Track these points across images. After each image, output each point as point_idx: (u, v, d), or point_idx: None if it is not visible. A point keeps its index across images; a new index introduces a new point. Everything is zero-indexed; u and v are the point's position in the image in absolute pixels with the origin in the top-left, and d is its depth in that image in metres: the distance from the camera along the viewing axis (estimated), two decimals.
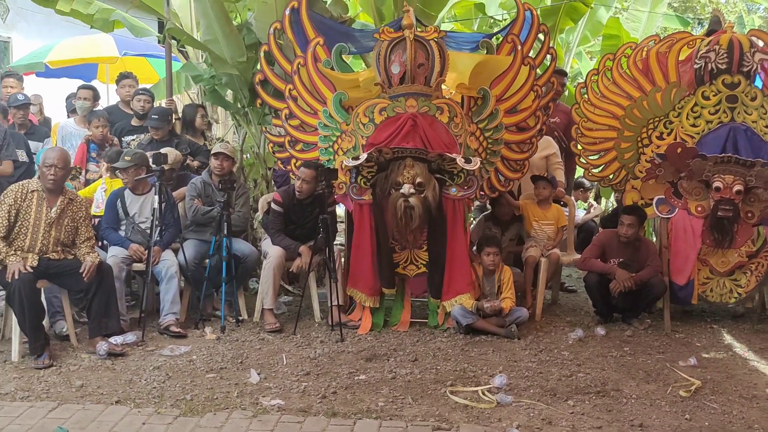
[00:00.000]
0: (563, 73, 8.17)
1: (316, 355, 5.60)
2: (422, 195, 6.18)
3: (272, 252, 6.51)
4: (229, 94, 8.36)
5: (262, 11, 7.48)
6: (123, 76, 8.30)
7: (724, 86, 6.58)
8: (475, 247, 6.71)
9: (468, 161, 6.17)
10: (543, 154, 7.41)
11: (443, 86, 6.65)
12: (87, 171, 7.37)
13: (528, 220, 7.13)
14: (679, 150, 6.44)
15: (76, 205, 5.78)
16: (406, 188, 6.13)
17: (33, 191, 5.62)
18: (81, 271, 5.62)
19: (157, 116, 7.39)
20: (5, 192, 5.65)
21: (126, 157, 6.54)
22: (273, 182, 8.27)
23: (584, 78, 7.26)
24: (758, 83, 6.67)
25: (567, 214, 7.41)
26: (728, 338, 6.29)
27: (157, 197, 6.27)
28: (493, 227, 7.18)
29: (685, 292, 6.59)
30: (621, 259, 6.53)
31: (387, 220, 6.34)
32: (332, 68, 6.70)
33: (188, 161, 7.42)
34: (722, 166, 6.38)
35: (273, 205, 6.67)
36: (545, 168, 7.51)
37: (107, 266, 5.86)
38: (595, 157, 7.10)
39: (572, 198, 8.08)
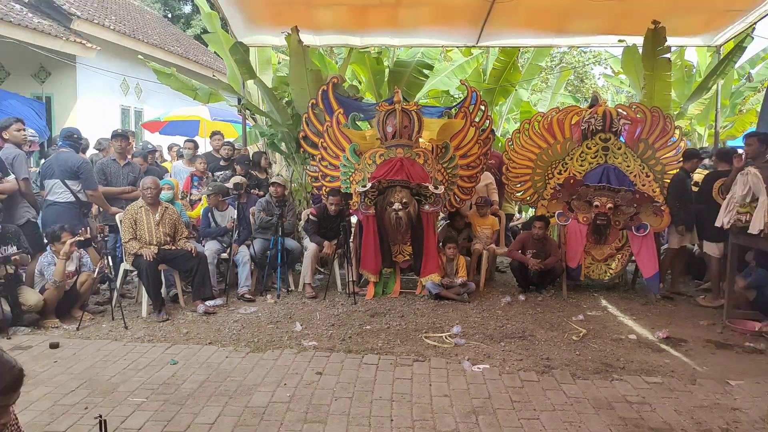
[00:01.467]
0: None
1: (338, 313, 5.58)
2: (407, 210, 6.17)
3: (310, 246, 6.49)
4: (282, 146, 8.34)
5: (299, 94, 7.46)
6: (214, 133, 8.29)
7: (600, 141, 6.58)
8: (440, 243, 6.68)
9: (436, 188, 6.18)
10: (483, 183, 7.40)
11: (420, 140, 6.66)
12: (190, 194, 7.34)
13: (474, 226, 7.08)
14: (572, 181, 6.45)
15: (170, 212, 5.76)
16: (397, 206, 6.12)
17: (140, 207, 5.61)
18: (189, 250, 5.60)
19: (242, 162, 7.40)
20: (125, 211, 5.65)
21: (209, 188, 6.51)
22: (311, 202, 8.25)
23: (511, 135, 7.22)
24: (622, 139, 6.67)
25: (499, 221, 7.37)
26: (604, 302, 6.26)
27: (235, 211, 6.24)
28: (452, 231, 7.15)
29: (576, 272, 6.57)
30: (534, 251, 6.50)
31: (385, 226, 6.32)
32: (349, 127, 6.70)
33: (254, 191, 7.39)
34: (599, 192, 6.37)
35: (310, 217, 6.65)
36: (486, 192, 7.51)
37: (204, 254, 5.83)
38: (518, 185, 7.09)
39: (502, 211, 8.07)
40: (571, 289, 6.71)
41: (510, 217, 8.32)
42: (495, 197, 7.62)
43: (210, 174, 7.57)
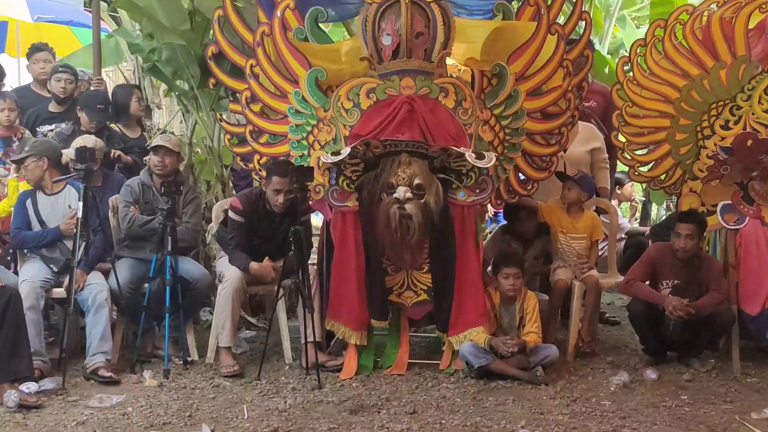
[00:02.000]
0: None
1: (286, 407, 5.57)
2: (422, 200, 6.18)
3: (230, 274, 6.51)
4: (173, 74, 8.32)
5: None
6: (36, 49, 8.27)
7: None
8: (489, 268, 6.71)
9: (480, 157, 6.19)
10: (587, 147, 7.44)
11: (448, 61, 6.66)
12: None
13: (554, 232, 7.12)
14: (749, 142, 6.48)
15: None
16: (402, 192, 6.13)
17: None
18: None
19: (103, 106, 7.44)
20: None
21: (25, 147, 6.55)
22: (231, 184, 8.26)
23: (628, 50, 7.24)
24: None
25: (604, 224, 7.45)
26: None
27: (81, 203, 6.24)
28: (512, 242, 7.18)
29: (758, 324, 6.60)
30: (676, 282, 6.54)
31: (377, 232, 6.34)
32: (306, 38, 6.69)
33: (119, 156, 7.39)
34: None
35: (231, 214, 6.66)
36: (589, 164, 7.52)
37: (14, 292, 5.82)
38: (643, 151, 7.11)
39: (614, 203, 8.09)
40: (749, 358, 6.71)
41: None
42: (605, 179, 7.64)
43: (26, 131, 7.55)
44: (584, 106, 7.54)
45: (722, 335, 6.68)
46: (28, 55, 8.32)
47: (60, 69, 7.88)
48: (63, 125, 7.58)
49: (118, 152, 7.39)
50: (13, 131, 7.42)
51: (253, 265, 6.51)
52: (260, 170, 6.71)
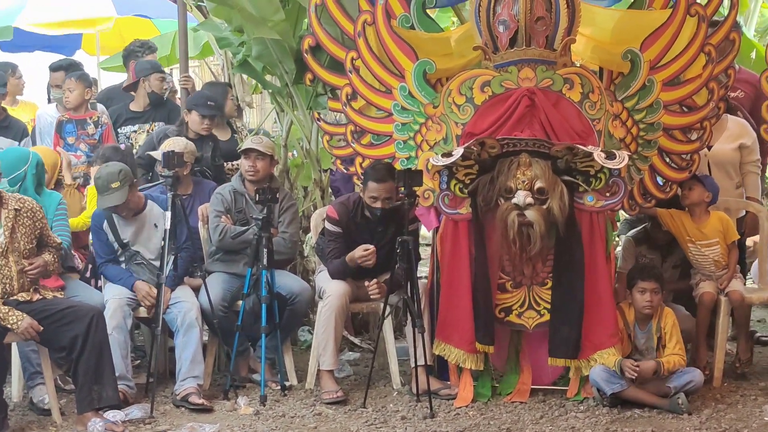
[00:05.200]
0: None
1: None
2: (544, 206, 6.13)
3: (331, 289, 6.53)
4: (266, 71, 8.43)
5: None
6: (143, 47, 8.64)
7: None
8: (625, 282, 6.60)
9: (611, 156, 6.11)
10: (736, 143, 7.26)
11: (574, 49, 6.61)
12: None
13: (681, 242, 6.94)
14: None
15: (26, 214, 5.88)
16: (522, 197, 6.09)
17: None
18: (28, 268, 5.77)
19: (213, 103, 7.53)
20: None
21: (113, 185, 6.37)
22: (330, 190, 8.30)
23: None
24: None
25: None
26: None
27: (169, 213, 6.34)
28: (647, 252, 7.06)
29: None
30: None
31: (496, 243, 6.31)
32: (412, 27, 6.71)
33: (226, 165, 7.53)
34: None
35: (327, 224, 6.72)
36: (738, 162, 7.36)
37: (96, 312, 5.93)
38: None
39: (765, 206, 7.89)
40: None
41: None
42: (755, 185, 7.46)
43: (104, 113, 7.75)
44: (730, 97, 7.38)
45: None
46: (127, 58, 8.53)
47: (161, 68, 8.12)
48: (146, 126, 7.74)
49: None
50: (88, 114, 7.60)
51: (365, 283, 6.55)
52: (361, 177, 6.72)
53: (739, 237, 7.06)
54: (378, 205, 6.45)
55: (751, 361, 7.13)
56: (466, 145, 6.17)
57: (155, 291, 6.37)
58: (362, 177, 6.64)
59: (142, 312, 6.52)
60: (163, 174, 6.54)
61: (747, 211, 7.36)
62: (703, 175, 6.92)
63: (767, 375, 6.96)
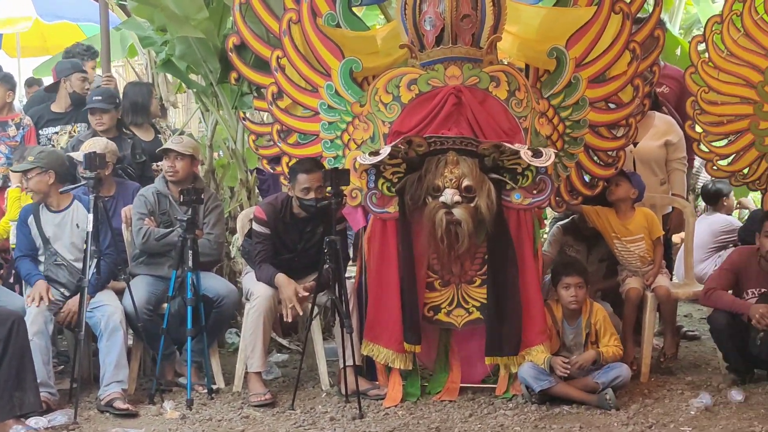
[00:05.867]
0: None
1: None
2: (472, 204, 6.19)
3: (259, 291, 6.53)
4: (190, 70, 8.40)
5: None
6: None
7: None
8: (548, 277, 6.71)
9: (537, 154, 6.17)
10: (660, 141, 7.38)
11: (501, 46, 6.67)
12: None
13: (607, 238, 7.04)
14: None
15: None
16: (449, 195, 6.13)
17: None
18: None
19: (101, 97, 7.48)
20: None
21: (29, 157, 6.55)
22: (257, 192, 8.28)
23: (703, 28, 7.20)
24: None
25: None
26: None
27: (91, 215, 6.28)
28: (574, 243, 7.17)
29: None
30: (763, 290, 6.50)
31: (424, 242, 6.35)
32: (338, 25, 6.73)
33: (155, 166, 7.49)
34: None
35: (254, 225, 6.68)
36: (664, 159, 7.50)
37: (17, 317, 5.86)
38: (723, 143, 7.08)
39: (690, 203, 8.03)
40: None
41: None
42: (680, 182, 7.60)
43: (26, 116, 7.66)
44: (659, 92, 7.53)
45: None
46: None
47: (82, 67, 8.03)
48: (69, 127, 7.67)
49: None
50: (10, 116, 7.52)
51: (280, 277, 6.49)
52: (288, 176, 6.69)
53: (663, 233, 7.18)
54: (311, 195, 6.40)
55: (677, 356, 7.28)
56: (393, 143, 6.20)
57: (50, 293, 6.32)
58: (288, 175, 6.63)
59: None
60: (84, 176, 6.48)
61: (673, 208, 7.50)
62: (629, 172, 7.04)
63: (694, 369, 7.10)
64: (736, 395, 6.27)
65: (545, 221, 7.51)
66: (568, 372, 6.17)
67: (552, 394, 6.15)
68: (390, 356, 6.43)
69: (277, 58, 6.76)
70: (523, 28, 6.80)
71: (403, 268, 6.41)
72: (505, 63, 6.75)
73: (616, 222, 6.96)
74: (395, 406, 6.25)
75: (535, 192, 6.37)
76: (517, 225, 6.39)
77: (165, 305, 6.57)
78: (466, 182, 6.16)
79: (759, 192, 7.19)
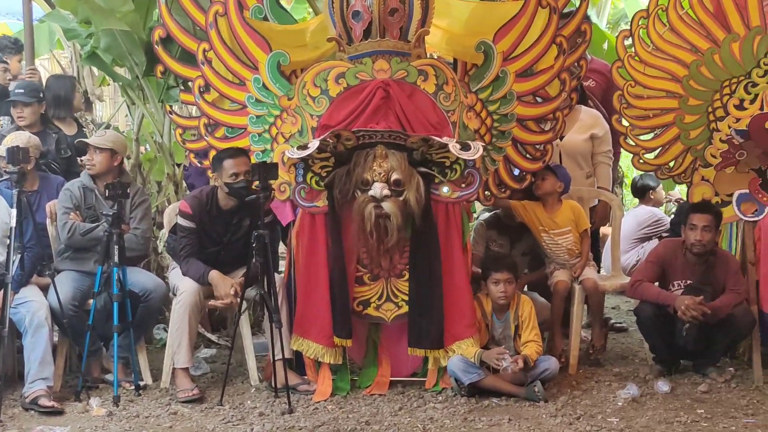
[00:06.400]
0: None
1: None
2: (401, 198, 6.22)
3: (185, 287, 6.50)
4: (115, 63, 8.32)
5: None
6: None
7: None
8: (480, 271, 6.72)
9: (466, 147, 6.21)
10: (586, 134, 7.48)
11: (428, 41, 6.70)
12: None
13: (534, 232, 7.13)
14: (767, 124, 6.53)
15: None
16: (378, 189, 6.16)
17: None
18: None
19: (23, 90, 7.40)
20: None
21: None
22: (185, 184, 8.24)
23: (630, 24, 7.28)
24: None
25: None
26: None
27: (14, 211, 6.21)
28: (498, 237, 7.23)
29: None
30: (688, 282, 6.60)
31: (352, 237, 6.38)
32: (266, 18, 6.72)
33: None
34: None
35: (179, 219, 6.64)
36: (590, 153, 7.59)
37: None
38: (649, 136, 7.16)
39: (616, 196, 8.13)
40: None
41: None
42: (606, 175, 7.70)
43: None
44: (586, 85, 7.63)
45: (741, 340, 6.76)
46: None
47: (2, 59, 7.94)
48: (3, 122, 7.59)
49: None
50: None
51: (214, 274, 6.48)
52: (212, 163, 6.69)
53: (590, 225, 7.27)
54: (241, 179, 6.39)
55: (605, 347, 7.37)
56: (321, 137, 6.20)
57: None
58: (211, 165, 6.62)
59: None
60: (7, 170, 6.40)
61: (599, 201, 7.59)
62: (555, 165, 7.11)
63: (621, 361, 7.22)
64: (663, 386, 6.37)
65: (474, 215, 7.54)
66: (503, 364, 6.18)
67: (481, 387, 6.20)
68: (320, 351, 6.44)
69: (204, 51, 6.73)
70: (451, 23, 6.84)
71: (333, 262, 6.42)
72: (435, 57, 6.78)
73: (544, 215, 7.04)
74: (325, 400, 6.26)
75: (463, 185, 6.42)
76: (446, 218, 6.43)
77: (91, 301, 6.50)
78: (394, 176, 6.18)
79: (685, 185, 7.27)
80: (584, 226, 7.14)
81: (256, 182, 6.25)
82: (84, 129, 7.90)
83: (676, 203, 10.75)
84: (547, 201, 7.04)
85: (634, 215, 9.51)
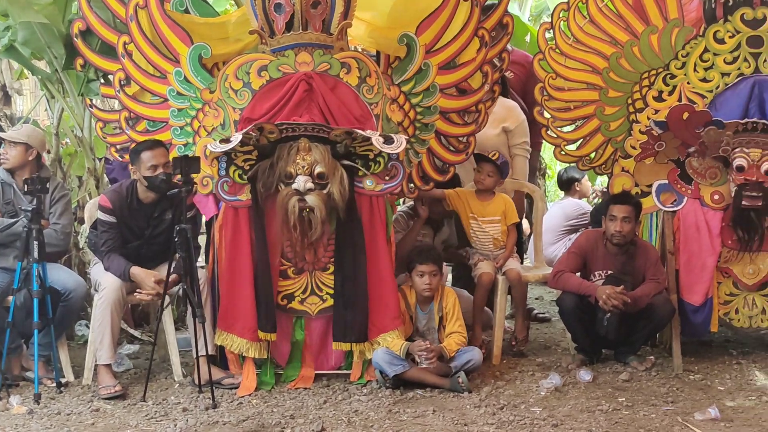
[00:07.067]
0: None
1: (176, 430, 5.55)
2: (324, 191, 6.23)
3: (107, 282, 6.44)
4: (32, 56, 8.23)
5: None
6: None
7: (744, 24, 6.80)
8: (405, 264, 6.76)
9: (389, 140, 6.24)
10: (498, 128, 7.57)
11: (351, 33, 6.74)
12: None
13: (463, 219, 7.21)
14: (685, 115, 6.57)
15: None
16: (302, 182, 6.17)
17: None
18: None
19: None
20: None
21: None
22: (106, 179, 8.17)
23: (550, 17, 7.33)
24: None
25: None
26: (762, 378, 6.49)
27: None
28: (424, 231, 7.26)
29: (700, 316, 6.78)
30: (609, 272, 6.68)
31: (276, 231, 6.38)
32: (187, 10, 6.69)
33: None
34: (746, 136, 6.58)
35: (99, 214, 6.57)
36: (505, 146, 7.65)
37: None
38: (570, 128, 7.25)
39: (538, 187, 8.20)
40: (692, 353, 6.93)
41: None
42: (522, 167, 7.79)
43: None
44: (507, 75, 7.68)
45: (661, 329, 6.87)
46: None
47: None
48: None
49: None
50: None
51: (135, 270, 6.43)
52: (130, 156, 6.61)
53: (519, 220, 7.35)
54: (160, 171, 6.35)
55: (528, 339, 7.44)
56: (244, 130, 6.19)
57: None
58: (130, 158, 6.55)
59: None
60: None
61: (515, 192, 7.66)
62: (500, 161, 7.15)
63: (544, 351, 7.31)
64: (585, 375, 6.44)
65: (397, 207, 7.57)
66: (431, 357, 6.23)
67: (406, 378, 6.23)
68: (244, 345, 6.43)
69: (124, 43, 6.68)
70: (374, 15, 6.84)
71: (256, 256, 6.42)
72: (359, 50, 6.79)
73: (476, 203, 7.13)
74: (249, 395, 6.25)
75: (387, 178, 6.45)
76: (370, 211, 6.45)
77: (10, 298, 6.40)
78: (318, 169, 6.19)
79: (606, 176, 7.36)
80: (513, 219, 7.24)
81: (178, 176, 6.22)
82: (2, 123, 7.79)
83: (598, 195, 10.90)
84: (481, 192, 7.15)
85: (561, 207, 9.62)
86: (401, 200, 7.89)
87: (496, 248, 7.16)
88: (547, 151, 10.13)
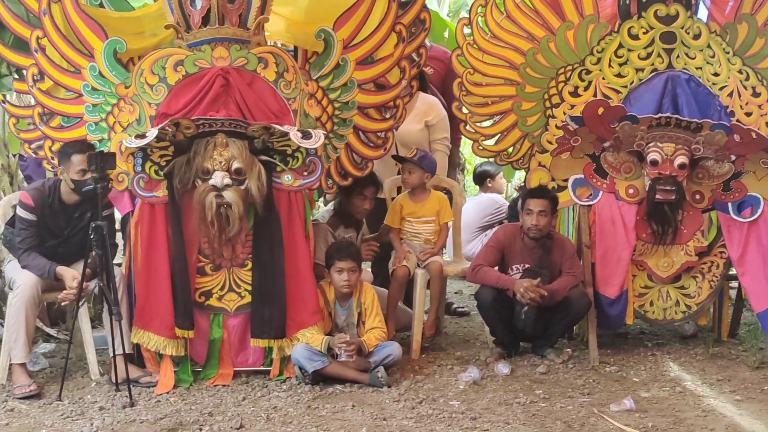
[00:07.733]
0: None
1: (92, 429, 5.51)
2: (242, 187, 6.22)
3: (22, 280, 6.36)
4: None
5: None
6: None
7: (658, 20, 6.95)
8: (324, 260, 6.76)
9: (307, 136, 6.24)
10: (420, 123, 7.63)
11: (268, 29, 6.75)
12: None
13: (395, 217, 7.23)
14: (600, 110, 6.66)
15: None
16: (219, 177, 6.15)
17: None
18: None
19: None
20: None
21: None
22: (21, 176, 8.07)
23: (469, 12, 7.40)
24: (700, 18, 7.06)
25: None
26: (675, 369, 6.62)
27: None
28: (345, 232, 7.27)
29: (616, 309, 6.90)
30: (527, 266, 6.75)
31: (193, 227, 6.35)
32: (101, 5, 6.65)
33: None
34: (660, 131, 6.68)
35: (20, 211, 6.48)
36: (427, 141, 7.70)
37: None
38: (488, 123, 7.29)
39: (457, 183, 8.25)
40: (607, 345, 7.06)
41: None
42: (442, 162, 7.83)
43: None
44: (426, 70, 7.73)
45: (577, 321, 6.96)
46: None
47: None
48: None
49: None
50: None
51: (61, 269, 6.34)
52: (53, 158, 6.58)
53: (452, 219, 7.39)
54: (88, 176, 6.25)
55: (440, 332, 7.50)
56: (160, 126, 6.14)
57: None
58: (57, 158, 6.47)
59: None
60: None
61: (433, 187, 7.65)
62: (420, 157, 7.14)
63: (463, 345, 7.36)
64: (503, 368, 6.51)
65: (315, 202, 7.58)
66: (351, 350, 6.24)
67: (325, 374, 6.24)
68: (161, 343, 6.38)
69: (37, 38, 6.60)
70: (292, 10, 6.84)
71: (173, 252, 6.38)
72: (278, 45, 6.79)
73: (410, 205, 7.20)
74: (167, 392, 6.21)
75: (305, 173, 6.44)
76: (288, 207, 6.45)
77: None
78: (235, 164, 6.18)
79: (523, 170, 7.43)
80: (447, 218, 7.31)
81: (93, 173, 6.16)
82: None
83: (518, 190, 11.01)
84: (415, 191, 7.18)
85: (477, 203, 9.69)
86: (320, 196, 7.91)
87: (425, 246, 7.23)
88: (466, 146, 10.19)
